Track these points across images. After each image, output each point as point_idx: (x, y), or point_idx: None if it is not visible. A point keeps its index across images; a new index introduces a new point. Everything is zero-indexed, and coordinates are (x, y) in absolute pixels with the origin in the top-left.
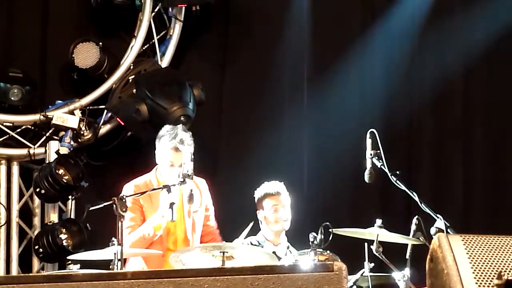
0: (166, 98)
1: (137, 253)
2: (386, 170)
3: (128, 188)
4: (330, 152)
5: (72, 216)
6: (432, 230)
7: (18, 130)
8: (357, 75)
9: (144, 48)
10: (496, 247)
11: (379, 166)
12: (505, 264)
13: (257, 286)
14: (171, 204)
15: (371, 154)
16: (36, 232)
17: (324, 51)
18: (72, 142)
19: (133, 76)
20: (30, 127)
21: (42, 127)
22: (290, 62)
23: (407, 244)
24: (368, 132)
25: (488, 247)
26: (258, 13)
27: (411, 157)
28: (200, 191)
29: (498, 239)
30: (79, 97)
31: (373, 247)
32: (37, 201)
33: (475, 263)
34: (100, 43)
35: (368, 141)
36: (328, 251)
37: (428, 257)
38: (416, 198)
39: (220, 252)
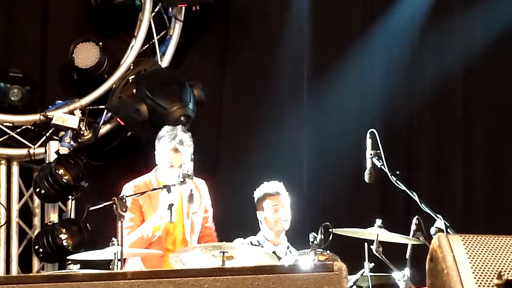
0: (166, 98)
1: (137, 253)
2: (386, 170)
3: (128, 188)
4: (330, 152)
5: (72, 216)
6: (432, 230)
7: (18, 130)
8: (357, 75)
9: (144, 48)
10: (496, 247)
11: (379, 166)
12: (505, 264)
13: (257, 286)
14: (170, 206)
15: (371, 154)
16: (36, 232)
17: (324, 51)
18: (72, 142)
19: (133, 76)
20: (30, 127)
21: (42, 127)
22: (290, 62)
23: (407, 244)
24: (368, 132)
25: (488, 247)
26: (258, 13)
27: (411, 157)
28: (199, 192)
29: (498, 239)
30: (79, 97)
31: (373, 247)
32: (37, 201)
33: (475, 263)
34: (100, 43)
35: (368, 141)
36: (328, 251)
37: (428, 257)
38: (416, 198)
39: (220, 252)
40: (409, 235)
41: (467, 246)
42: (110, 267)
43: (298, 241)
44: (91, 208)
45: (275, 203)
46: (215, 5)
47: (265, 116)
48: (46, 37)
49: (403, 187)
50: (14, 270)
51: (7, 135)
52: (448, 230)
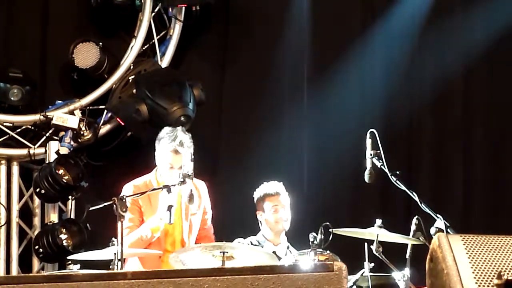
0: (166, 98)
1: (137, 253)
2: (386, 170)
3: (128, 189)
4: (330, 152)
5: (72, 216)
6: (432, 230)
7: (18, 130)
8: (357, 75)
9: (144, 48)
10: (496, 247)
11: (379, 166)
12: (505, 264)
13: (257, 286)
14: (170, 207)
15: (371, 154)
16: (36, 232)
17: (324, 51)
18: (72, 142)
19: (133, 76)
20: (30, 127)
21: (42, 127)
22: (290, 62)
23: (407, 244)
24: (368, 132)
25: (488, 247)
26: (258, 13)
27: (411, 157)
28: (199, 193)
29: (498, 239)
30: (79, 97)
31: (373, 247)
32: (37, 201)
33: (475, 263)
34: (100, 43)
35: (368, 141)
36: (328, 251)
37: (428, 257)
38: (416, 198)
39: (220, 252)
40: (409, 235)
41: (467, 246)
42: (110, 267)
43: (298, 241)
44: (91, 208)
45: (275, 203)
46: (215, 5)
47: (265, 116)
48: (46, 37)
49: (403, 187)
50: (14, 270)
51: (7, 135)
52: (448, 230)
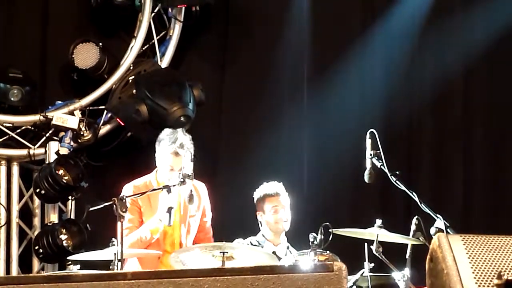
0: (166, 99)
1: (137, 254)
2: (386, 170)
3: (128, 189)
4: (330, 152)
5: (72, 217)
6: (432, 230)
7: (18, 130)
8: (357, 75)
9: (144, 48)
10: (496, 247)
11: (379, 166)
12: (505, 264)
13: (257, 287)
14: (169, 209)
15: (371, 154)
16: (36, 233)
17: (324, 51)
18: (72, 143)
19: (133, 77)
20: (30, 127)
21: (42, 127)
22: (290, 62)
23: (407, 244)
24: (368, 132)
25: (488, 247)
26: (258, 14)
27: (411, 157)
28: (199, 195)
29: (498, 239)
30: (79, 97)
31: (373, 247)
32: (37, 201)
33: (475, 263)
34: (100, 44)
35: (368, 141)
36: (328, 251)
37: (428, 257)
38: (416, 198)
39: (220, 252)
40: (409, 235)
41: (467, 246)
42: (110, 267)
43: (298, 241)
44: (91, 209)
45: (275, 204)
46: (215, 5)
47: (265, 116)
48: (46, 37)
49: (403, 187)
50: (14, 270)
51: (7, 136)
52: (448, 230)
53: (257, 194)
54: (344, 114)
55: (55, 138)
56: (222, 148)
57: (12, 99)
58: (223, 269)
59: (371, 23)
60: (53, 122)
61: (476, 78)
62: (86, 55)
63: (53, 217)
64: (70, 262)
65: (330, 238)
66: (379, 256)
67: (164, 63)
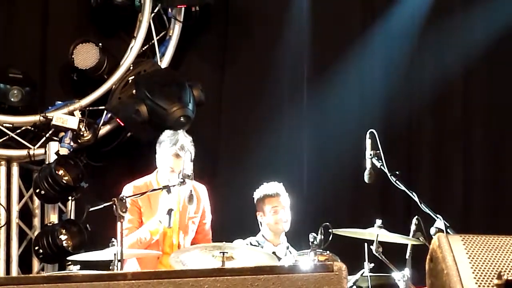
0: (166, 99)
1: (137, 254)
2: (386, 171)
3: (128, 189)
4: (330, 152)
5: (72, 217)
6: (432, 230)
7: (18, 131)
8: (357, 76)
9: (143, 48)
10: (496, 247)
11: (378, 167)
12: (505, 264)
13: (257, 287)
14: (169, 211)
15: (370, 155)
16: (36, 233)
17: (324, 52)
18: (72, 143)
19: (132, 77)
20: (30, 128)
21: (42, 128)
22: (290, 62)
23: (407, 244)
24: (368, 133)
25: (488, 247)
26: (257, 14)
27: (411, 157)
28: (199, 197)
29: (498, 239)
30: (79, 98)
31: (373, 247)
32: (37, 202)
33: (475, 263)
34: (100, 44)
35: (368, 142)
36: (328, 251)
37: (428, 257)
38: (416, 198)
39: (220, 252)
40: (409, 235)
41: (467, 246)
42: (110, 267)
43: (298, 242)
44: (91, 209)
45: (275, 204)
46: (214, 5)
47: (264, 116)
48: (46, 37)
49: (403, 187)
50: (14, 271)
51: (7, 136)
52: (448, 230)
53: (257, 194)
54: (344, 114)
55: (55, 138)
56: (222, 148)
57: (12, 99)
58: (223, 269)
59: (371, 23)
60: (53, 122)
61: (476, 79)
62: (86, 55)
63: (53, 218)
64: (70, 263)
65: (330, 238)
66: (379, 256)
67: (164, 63)
